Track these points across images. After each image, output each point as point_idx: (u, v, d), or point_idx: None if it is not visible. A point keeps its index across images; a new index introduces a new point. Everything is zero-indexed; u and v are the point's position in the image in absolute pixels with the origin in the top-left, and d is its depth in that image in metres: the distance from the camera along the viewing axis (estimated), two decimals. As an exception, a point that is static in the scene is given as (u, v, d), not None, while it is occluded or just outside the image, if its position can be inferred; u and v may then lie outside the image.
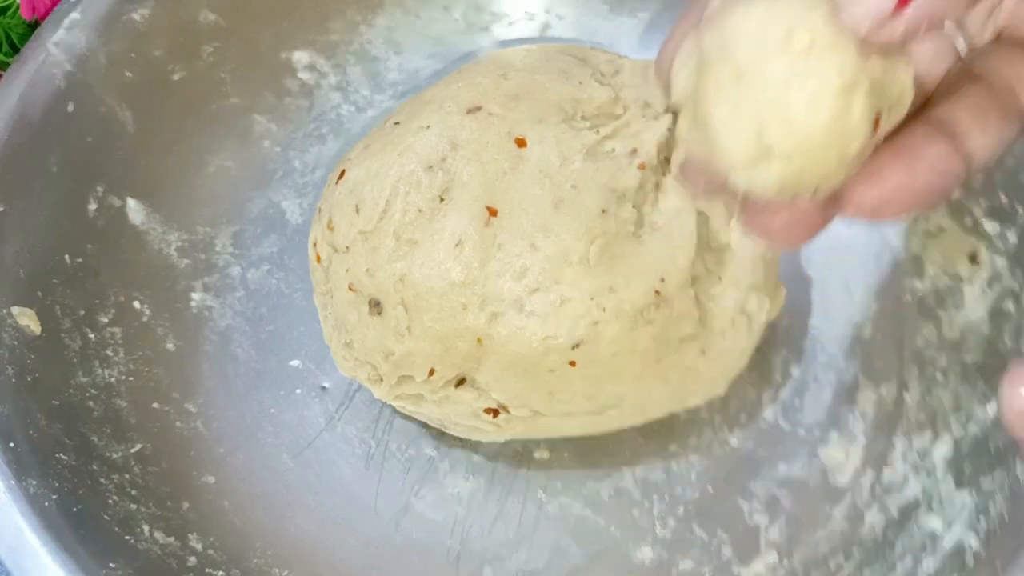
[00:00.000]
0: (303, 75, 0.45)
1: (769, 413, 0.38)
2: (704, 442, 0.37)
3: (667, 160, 0.35)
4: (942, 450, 0.33)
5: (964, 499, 0.30)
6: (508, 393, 0.34)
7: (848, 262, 0.40)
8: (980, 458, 0.31)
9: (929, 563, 0.29)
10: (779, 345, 0.39)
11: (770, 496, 0.36)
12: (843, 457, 0.36)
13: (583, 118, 0.35)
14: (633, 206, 0.34)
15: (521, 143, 0.34)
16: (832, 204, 0.22)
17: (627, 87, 0.38)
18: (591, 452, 0.38)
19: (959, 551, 0.28)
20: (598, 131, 0.35)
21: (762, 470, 0.37)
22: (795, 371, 0.39)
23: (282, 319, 0.41)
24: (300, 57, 0.44)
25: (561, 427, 0.35)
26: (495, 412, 0.35)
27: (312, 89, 0.45)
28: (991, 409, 0.32)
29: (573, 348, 0.33)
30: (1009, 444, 0.29)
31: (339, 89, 0.45)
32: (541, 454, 0.38)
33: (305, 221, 0.43)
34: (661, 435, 0.37)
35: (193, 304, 0.40)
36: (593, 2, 0.47)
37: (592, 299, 0.32)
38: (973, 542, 0.29)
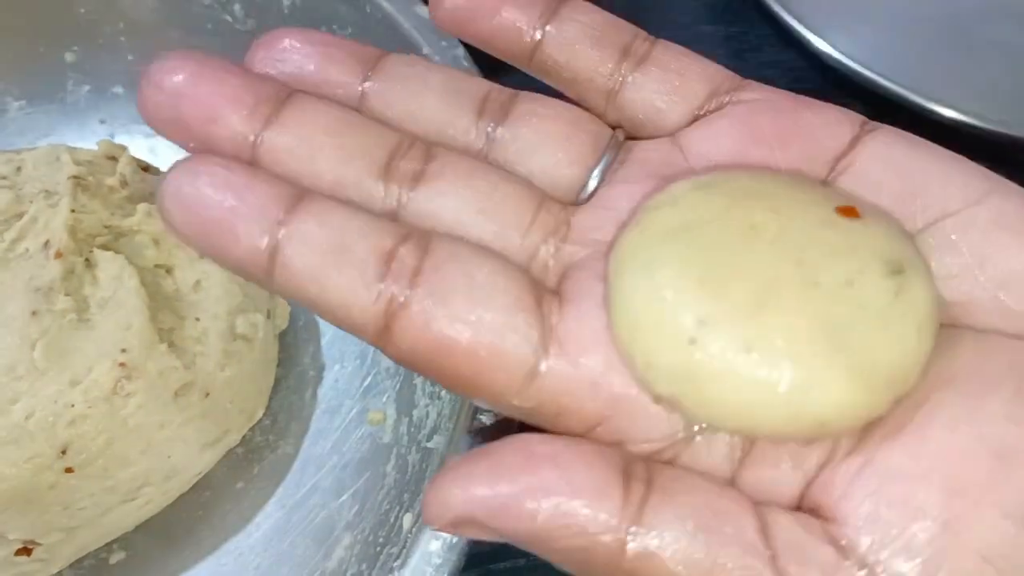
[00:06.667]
0: None
1: (317, 408, 0.39)
2: (271, 463, 0.38)
3: (90, 236, 0.35)
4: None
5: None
6: (24, 528, 0.32)
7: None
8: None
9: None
10: (305, 344, 0.41)
11: (337, 482, 0.37)
12: (383, 416, 0.38)
13: (-13, 232, 0.34)
14: (67, 294, 0.33)
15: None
16: None
17: (30, 181, 0.37)
18: (171, 530, 0.37)
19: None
20: (2, 238, 0.34)
21: (330, 461, 0.38)
22: (326, 360, 0.40)
23: None
24: None
25: (108, 527, 0.35)
26: (27, 551, 0.33)
27: None
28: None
29: (61, 455, 0.32)
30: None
31: None
32: (117, 557, 0.37)
33: None
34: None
35: None
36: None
37: (56, 401, 0.32)
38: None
